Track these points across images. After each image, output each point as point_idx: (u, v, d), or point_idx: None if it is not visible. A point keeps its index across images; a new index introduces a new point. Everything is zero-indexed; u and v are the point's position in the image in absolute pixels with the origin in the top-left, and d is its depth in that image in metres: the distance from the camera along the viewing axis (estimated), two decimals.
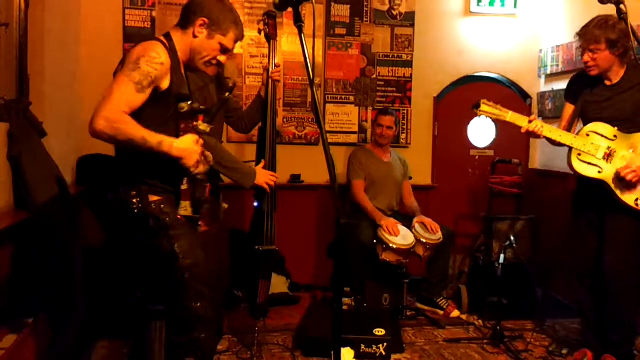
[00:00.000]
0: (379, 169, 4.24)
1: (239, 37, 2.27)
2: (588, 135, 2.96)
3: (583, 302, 3.22)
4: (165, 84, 2.08)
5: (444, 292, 4.25)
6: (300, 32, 1.65)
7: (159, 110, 2.08)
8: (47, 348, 2.59)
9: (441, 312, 4.09)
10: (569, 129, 3.12)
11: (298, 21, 1.66)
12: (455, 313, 4.06)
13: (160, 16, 4.35)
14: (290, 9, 1.75)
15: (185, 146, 2.05)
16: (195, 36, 2.17)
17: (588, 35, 2.86)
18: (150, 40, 2.13)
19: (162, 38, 2.17)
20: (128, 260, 2.42)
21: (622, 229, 2.97)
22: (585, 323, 3.24)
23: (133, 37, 4.23)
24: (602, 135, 2.95)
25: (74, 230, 2.95)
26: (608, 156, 2.93)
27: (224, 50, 2.23)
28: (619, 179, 2.89)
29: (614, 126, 2.94)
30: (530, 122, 2.96)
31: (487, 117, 3.00)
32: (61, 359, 2.69)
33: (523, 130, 2.98)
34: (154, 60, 2.02)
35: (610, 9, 2.29)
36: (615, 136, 2.94)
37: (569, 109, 3.18)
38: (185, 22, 2.20)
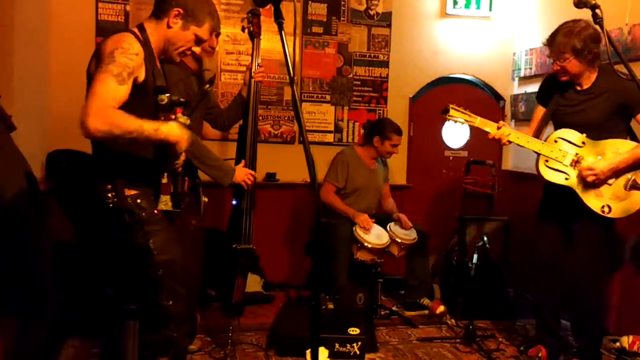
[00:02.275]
0: (363, 176, 4.19)
1: (215, 29, 2.27)
2: (556, 141, 2.96)
3: (541, 304, 3.24)
4: (141, 75, 2.06)
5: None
6: (281, 29, 1.63)
7: (136, 103, 2.04)
8: (13, 348, 2.52)
9: (426, 312, 4.05)
10: (539, 132, 3.13)
11: (278, 18, 1.64)
12: (441, 308, 3.99)
13: (134, 10, 4.28)
14: (269, 6, 1.73)
15: (179, 131, 2.05)
16: (169, 26, 2.15)
17: (554, 45, 2.86)
18: (121, 32, 2.10)
19: (134, 29, 2.14)
20: (100, 257, 2.37)
21: (589, 235, 2.97)
22: (540, 324, 3.27)
23: (106, 31, 4.14)
24: (570, 142, 2.94)
25: (43, 226, 2.87)
26: (575, 163, 2.92)
27: (199, 41, 2.21)
28: (583, 183, 2.90)
29: (582, 132, 2.93)
30: (498, 128, 2.96)
31: (455, 121, 3.00)
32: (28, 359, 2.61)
33: (490, 136, 2.98)
34: (128, 51, 1.99)
35: (585, 14, 2.32)
36: (583, 143, 2.93)
37: (540, 111, 3.17)
38: (159, 12, 2.17)
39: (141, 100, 2.06)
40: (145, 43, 2.10)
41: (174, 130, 2.03)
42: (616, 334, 3.57)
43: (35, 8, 3.65)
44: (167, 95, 2.07)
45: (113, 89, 1.93)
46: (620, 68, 2.27)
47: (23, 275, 2.55)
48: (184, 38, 2.17)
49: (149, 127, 1.95)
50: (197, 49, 2.24)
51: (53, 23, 4.05)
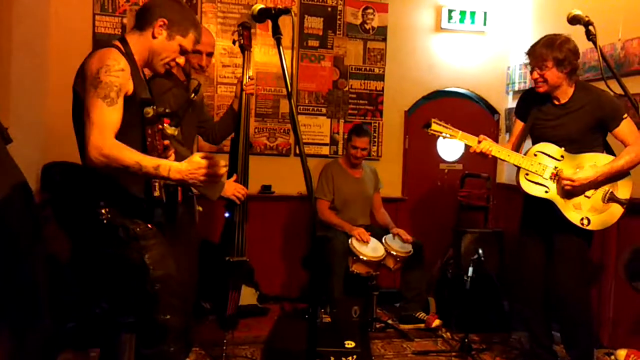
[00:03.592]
0: (349, 186, 4.23)
1: (198, 39, 2.26)
2: (535, 155, 2.99)
3: (530, 318, 3.24)
4: (130, 89, 2.06)
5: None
6: (279, 44, 1.64)
7: (126, 115, 2.04)
8: None
9: (422, 325, 4.04)
10: (518, 146, 3.16)
11: (277, 33, 1.65)
12: (437, 322, 4.00)
13: (131, 23, 4.29)
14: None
15: (184, 167, 1.99)
16: (154, 37, 2.15)
17: (536, 53, 2.90)
18: (104, 47, 2.10)
19: (116, 43, 2.14)
20: (95, 271, 2.36)
21: (570, 247, 3.00)
22: (532, 337, 3.27)
23: (103, 43, 4.12)
24: (549, 156, 2.98)
25: (38, 239, 2.86)
26: (555, 176, 2.96)
27: (183, 51, 2.22)
28: (563, 195, 2.93)
29: (561, 146, 2.98)
30: (479, 142, 2.98)
31: (438, 135, 3.03)
32: None
33: (471, 150, 3.01)
34: (113, 68, 1.99)
35: (579, 30, 2.36)
36: (562, 156, 2.97)
37: (519, 125, 3.21)
38: (142, 24, 2.17)
39: (130, 113, 2.06)
40: (128, 56, 2.10)
41: (178, 167, 1.98)
42: (611, 347, 3.58)
43: (33, 20, 3.67)
44: (153, 107, 2.07)
45: (107, 113, 1.95)
46: (613, 83, 2.30)
47: (18, 288, 2.53)
48: (170, 48, 2.17)
49: (147, 164, 1.94)
50: (181, 60, 2.24)
51: (50, 36, 4.07)
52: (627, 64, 3.61)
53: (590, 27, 2.18)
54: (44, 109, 3.87)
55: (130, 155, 1.92)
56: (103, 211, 2.07)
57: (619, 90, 2.29)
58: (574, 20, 2.28)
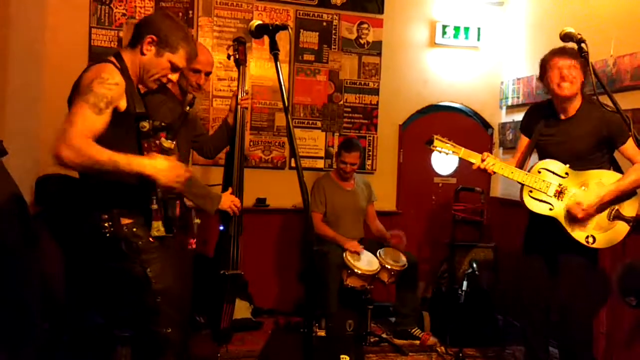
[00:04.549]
0: (341, 198, 4.25)
1: (191, 55, 2.24)
2: (540, 172, 2.97)
3: (529, 335, 3.21)
4: (122, 104, 2.06)
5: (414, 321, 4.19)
6: (277, 60, 1.66)
7: (119, 131, 2.06)
8: None
9: (417, 342, 4.03)
10: (523, 162, 3.14)
11: (274, 49, 1.67)
12: (432, 341, 4.00)
13: (127, 36, 4.31)
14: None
15: (158, 165, 2.02)
16: (143, 54, 2.15)
17: (567, 52, 2.81)
18: (100, 62, 2.12)
19: (112, 59, 2.15)
20: (92, 284, 2.36)
21: (575, 266, 2.97)
22: (529, 352, 3.24)
23: (99, 56, 4.14)
24: (554, 173, 2.96)
25: (33, 251, 2.85)
26: (559, 193, 2.94)
27: (174, 68, 2.20)
28: (569, 217, 2.91)
29: (566, 163, 2.95)
30: (483, 160, 2.96)
31: (440, 152, 3.02)
32: None
33: (475, 167, 2.99)
34: (107, 81, 2.00)
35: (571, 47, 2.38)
36: (566, 173, 2.94)
37: (524, 141, 3.19)
38: (134, 40, 2.18)
39: (121, 129, 2.07)
40: (123, 71, 2.11)
41: (151, 164, 2.01)
42: None
43: (29, 34, 3.68)
44: (149, 121, 2.08)
45: (89, 119, 1.94)
46: (605, 99, 2.32)
47: (11, 299, 2.52)
48: (159, 65, 2.17)
49: (120, 160, 1.93)
50: (173, 77, 2.22)
51: (47, 48, 4.07)
52: (619, 80, 3.64)
53: (583, 45, 2.20)
54: (39, 121, 3.86)
55: (103, 152, 1.90)
56: (106, 224, 2.07)
57: (611, 106, 2.31)
58: (566, 37, 2.30)
